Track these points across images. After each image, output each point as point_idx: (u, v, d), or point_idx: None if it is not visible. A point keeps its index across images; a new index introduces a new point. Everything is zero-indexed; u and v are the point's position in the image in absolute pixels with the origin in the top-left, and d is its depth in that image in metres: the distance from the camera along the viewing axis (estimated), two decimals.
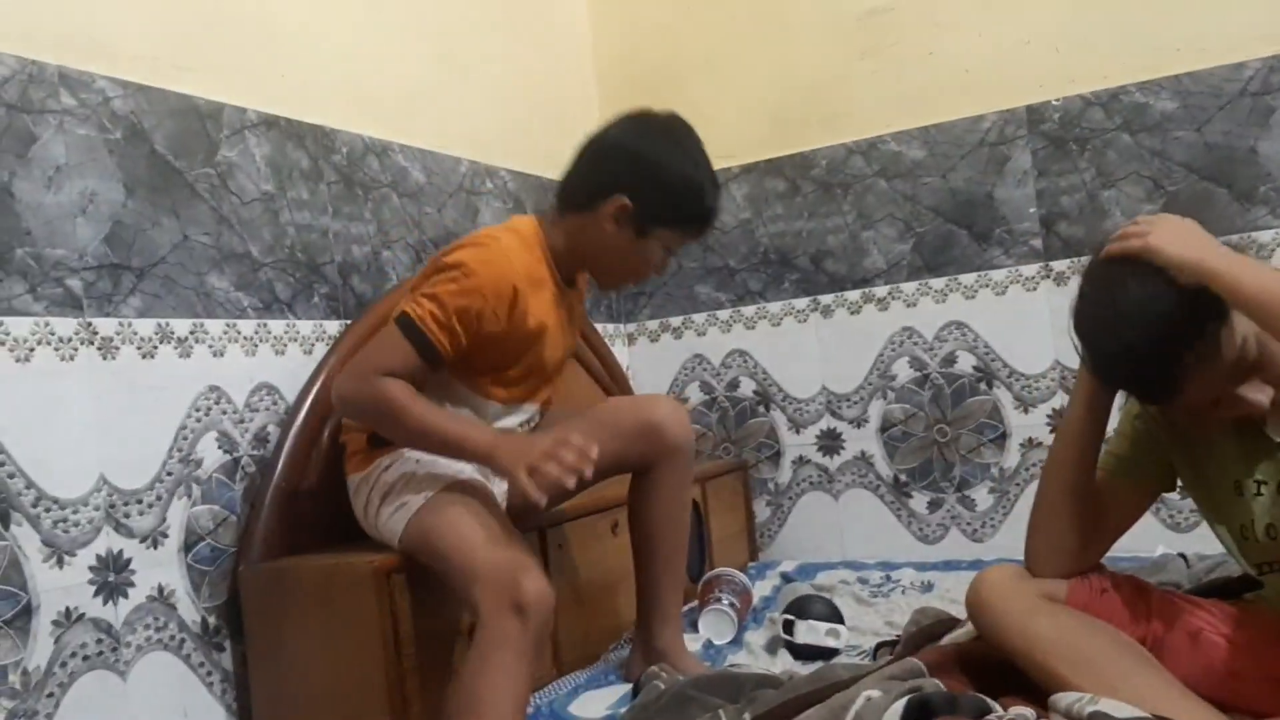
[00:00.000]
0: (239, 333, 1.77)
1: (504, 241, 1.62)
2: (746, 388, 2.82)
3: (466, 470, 1.62)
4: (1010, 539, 2.42)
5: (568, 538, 1.95)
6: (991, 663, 1.37)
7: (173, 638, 1.61)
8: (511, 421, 1.73)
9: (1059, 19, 2.46)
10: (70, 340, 1.52)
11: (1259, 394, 1.15)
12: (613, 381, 2.67)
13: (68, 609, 1.47)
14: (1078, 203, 2.44)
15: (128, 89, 1.64)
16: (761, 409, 2.80)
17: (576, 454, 1.46)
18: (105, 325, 1.57)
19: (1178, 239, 1.15)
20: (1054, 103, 2.46)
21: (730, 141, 2.82)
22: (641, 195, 1.63)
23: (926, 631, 1.61)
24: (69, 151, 1.54)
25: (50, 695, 1.44)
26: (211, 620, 1.67)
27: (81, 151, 1.56)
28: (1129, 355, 1.16)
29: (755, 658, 1.93)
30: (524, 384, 1.72)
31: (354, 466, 1.70)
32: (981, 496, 2.56)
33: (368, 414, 1.60)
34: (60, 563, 1.47)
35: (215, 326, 1.73)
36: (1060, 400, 2.45)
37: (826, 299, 2.72)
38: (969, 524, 2.57)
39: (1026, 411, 2.50)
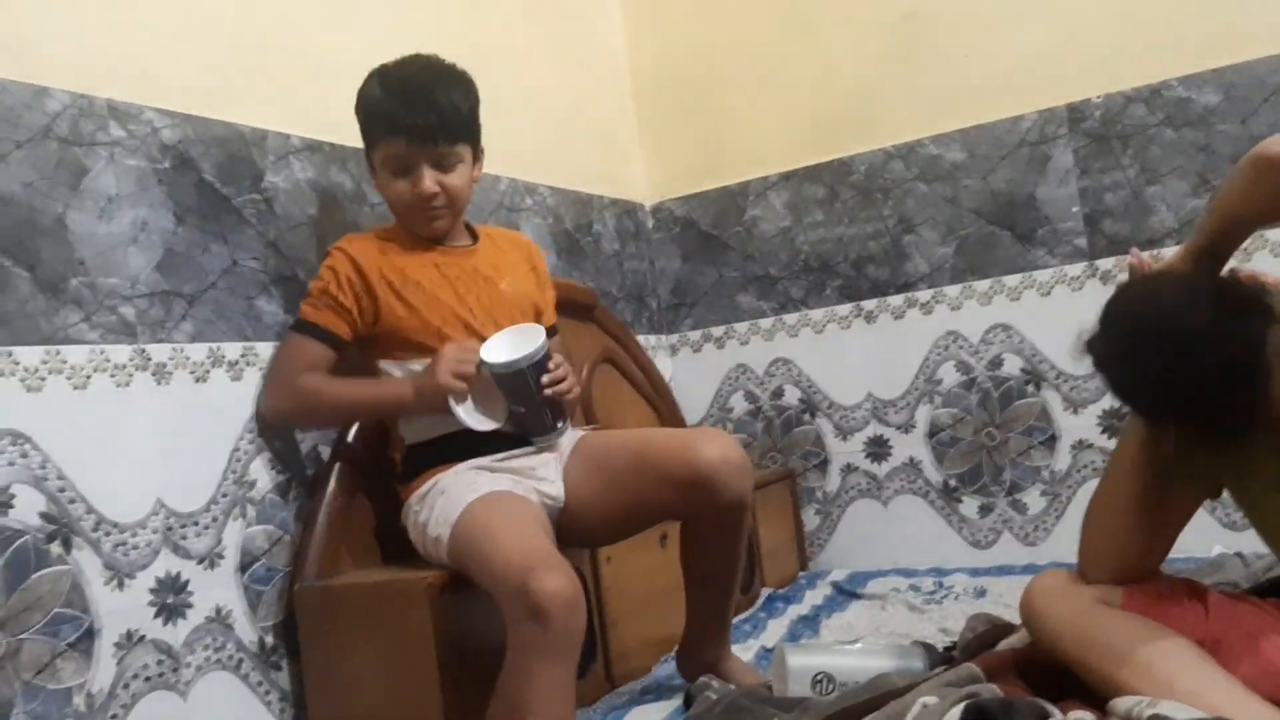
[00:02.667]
0: None
1: (345, 237, 1.78)
2: (791, 396, 2.81)
3: (482, 486, 1.61)
4: (1064, 542, 2.39)
5: (616, 551, 1.95)
6: (1050, 667, 1.36)
7: (231, 657, 1.63)
8: None
9: (1098, 16, 2.43)
10: (125, 366, 1.55)
11: None
12: (656, 394, 2.67)
13: (129, 631, 1.50)
14: (1122, 200, 2.42)
15: (175, 119, 1.67)
16: (807, 417, 2.79)
17: (464, 357, 1.63)
18: (159, 351, 1.60)
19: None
20: (1095, 100, 2.44)
21: (767, 149, 2.82)
22: (362, 135, 1.76)
23: (982, 638, 1.60)
24: (120, 182, 1.58)
25: (114, 717, 1.46)
26: (269, 640, 1.69)
27: (132, 182, 1.59)
28: (1208, 398, 1.16)
29: None
30: (451, 338, 1.71)
31: (403, 502, 1.73)
32: (1033, 500, 2.53)
33: (296, 414, 1.73)
34: (121, 585, 1.50)
35: (265, 349, 1.76)
36: (1110, 401, 2.41)
37: (869, 304, 2.71)
38: (1021, 528, 2.54)
39: (1076, 413, 2.47)
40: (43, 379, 1.44)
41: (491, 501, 1.58)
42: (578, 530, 1.74)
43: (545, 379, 1.65)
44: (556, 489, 1.72)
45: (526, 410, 1.68)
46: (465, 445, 1.68)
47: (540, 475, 1.71)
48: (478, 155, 1.79)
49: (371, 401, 1.72)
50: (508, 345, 1.67)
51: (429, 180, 1.70)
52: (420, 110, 1.68)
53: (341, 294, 1.69)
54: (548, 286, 1.95)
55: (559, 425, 1.72)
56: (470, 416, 1.64)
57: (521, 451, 1.72)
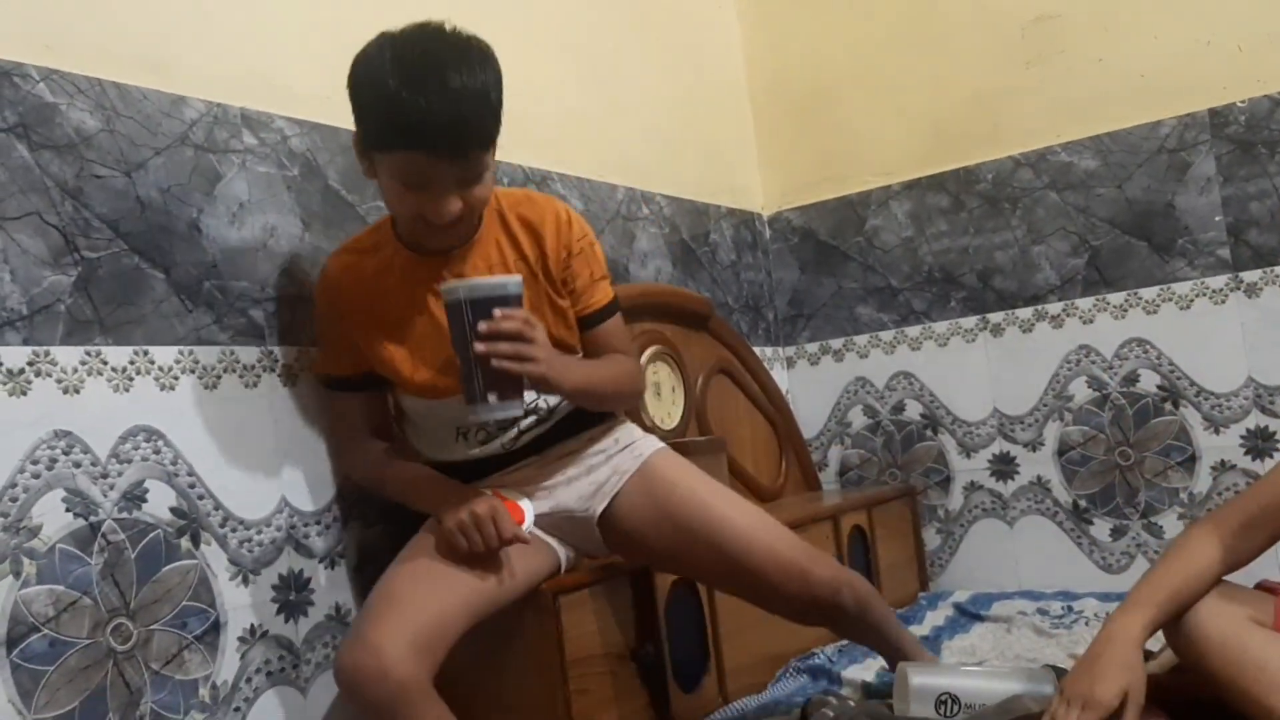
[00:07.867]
0: None
1: (332, 257, 1.60)
2: (913, 411, 2.74)
3: (419, 549, 1.49)
4: None
5: None
6: (1189, 695, 1.29)
7: None
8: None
9: (1241, 16, 2.32)
10: (254, 368, 1.58)
11: None
12: (772, 406, 2.64)
13: (253, 626, 1.53)
14: (1269, 209, 2.29)
15: (303, 127, 1.71)
16: (929, 433, 2.72)
17: (488, 530, 1.42)
18: (285, 353, 1.63)
19: None
20: (1239, 104, 2.32)
21: (889, 159, 2.77)
22: (357, 122, 1.42)
23: None
24: (251, 188, 1.62)
25: (237, 709, 1.49)
26: None
27: (262, 188, 1.63)
28: None
29: None
30: (441, 385, 1.51)
31: None
32: (1170, 523, 2.41)
33: (364, 486, 1.66)
34: (245, 581, 1.53)
35: None
36: (1255, 420, 2.29)
37: (996, 317, 2.62)
38: (1156, 552, 2.43)
39: (1218, 432, 2.35)
40: (176, 378, 1.49)
41: (413, 564, 1.46)
42: (624, 548, 1.64)
43: (483, 327, 1.31)
44: (589, 503, 1.60)
45: (461, 363, 1.35)
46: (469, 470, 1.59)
47: (570, 476, 1.60)
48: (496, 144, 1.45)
49: (415, 501, 1.56)
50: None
51: (454, 204, 1.40)
52: (446, 116, 1.33)
53: (334, 332, 1.57)
54: (580, 268, 1.57)
55: (489, 399, 1.33)
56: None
57: (542, 459, 1.59)
